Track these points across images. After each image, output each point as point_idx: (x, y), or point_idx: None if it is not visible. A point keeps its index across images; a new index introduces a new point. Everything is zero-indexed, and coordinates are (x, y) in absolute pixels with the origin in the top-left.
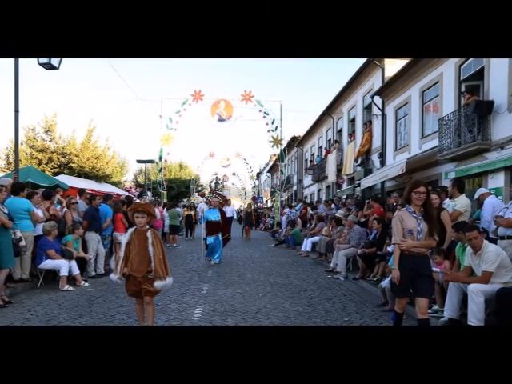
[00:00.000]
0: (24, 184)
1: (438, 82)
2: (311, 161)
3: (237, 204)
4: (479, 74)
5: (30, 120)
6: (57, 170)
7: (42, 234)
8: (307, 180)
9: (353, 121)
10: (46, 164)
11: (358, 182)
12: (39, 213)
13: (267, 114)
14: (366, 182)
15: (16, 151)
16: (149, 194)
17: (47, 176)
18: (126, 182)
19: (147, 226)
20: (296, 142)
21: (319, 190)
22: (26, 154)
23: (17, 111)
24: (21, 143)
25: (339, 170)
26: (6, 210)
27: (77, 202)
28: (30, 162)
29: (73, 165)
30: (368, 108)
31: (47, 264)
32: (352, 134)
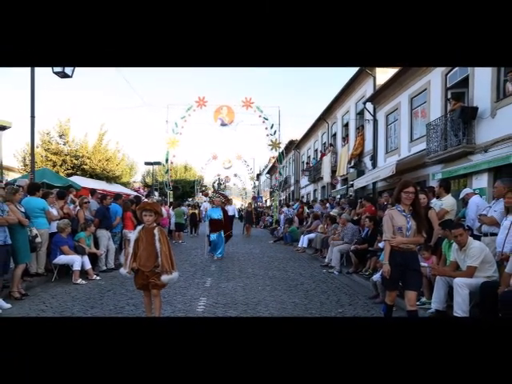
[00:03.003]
0: (39, 184)
1: (425, 90)
2: (307, 163)
3: (238, 203)
4: (464, 82)
5: (45, 124)
6: (70, 171)
7: (56, 231)
8: (304, 181)
9: (346, 125)
10: (60, 166)
11: (351, 182)
12: (54, 211)
13: (266, 120)
14: (359, 183)
15: (32, 154)
16: (156, 193)
17: (61, 177)
18: (134, 182)
19: (154, 224)
20: (293, 145)
21: (315, 190)
22: (42, 156)
23: (33, 116)
24: (37, 146)
25: (334, 172)
26: (22, 209)
27: (89, 202)
28: (45, 164)
29: (85, 167)
30: (360, 114)
31: (61, 259)
32: (346, 138)
